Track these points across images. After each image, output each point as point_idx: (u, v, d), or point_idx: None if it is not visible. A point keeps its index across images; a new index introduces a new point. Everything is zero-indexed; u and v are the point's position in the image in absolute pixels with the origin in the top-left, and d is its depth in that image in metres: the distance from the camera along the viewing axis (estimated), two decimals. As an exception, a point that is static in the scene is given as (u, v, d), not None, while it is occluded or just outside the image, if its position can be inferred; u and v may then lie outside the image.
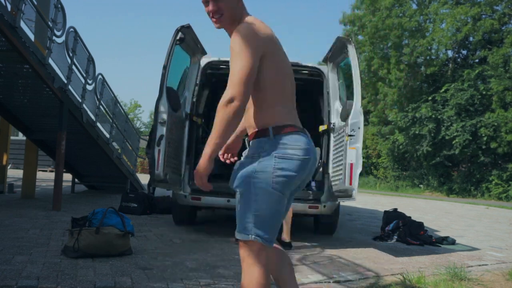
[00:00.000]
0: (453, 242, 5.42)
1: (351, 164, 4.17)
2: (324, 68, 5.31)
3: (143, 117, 64.02)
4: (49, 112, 7.38)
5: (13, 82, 6.67)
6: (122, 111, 10.52)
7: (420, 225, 5.56)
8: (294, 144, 1.86)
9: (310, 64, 5.37)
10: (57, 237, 4.31)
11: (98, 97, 8.51)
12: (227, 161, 2.22)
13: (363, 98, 6.25)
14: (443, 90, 22.18)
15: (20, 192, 8.24)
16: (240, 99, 1.77)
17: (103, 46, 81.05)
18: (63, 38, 6.66)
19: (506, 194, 19.67)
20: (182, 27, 4.43)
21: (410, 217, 5.90)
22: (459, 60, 25.06)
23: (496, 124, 19.80)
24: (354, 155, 4.19)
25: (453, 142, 20.79)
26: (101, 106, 8.65)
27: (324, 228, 5.50)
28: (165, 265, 3.39)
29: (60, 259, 3.40)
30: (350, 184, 4.18)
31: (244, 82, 1.77)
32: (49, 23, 6.32)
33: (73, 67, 7.10)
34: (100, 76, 8.57)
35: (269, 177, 1.81)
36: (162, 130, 4.30)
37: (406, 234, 5.33)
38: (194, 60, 5.15)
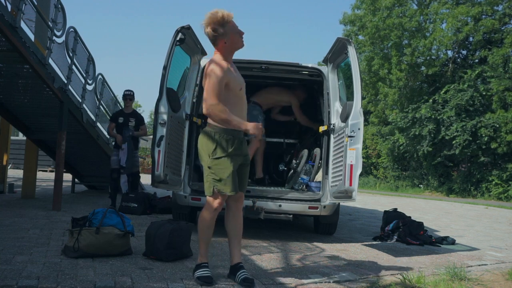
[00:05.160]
0: (453, 242, 5.43)
1: (351, 165, 4.18)
2: (324, 69, 5.32)
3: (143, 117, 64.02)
4: (49, 112, 7.39)
5: (13, 82, 6.67)
6: (122, 111, 10.51)
7: (420, 225, 5.57)
8: None
9: (310, 65, 5.37)
10: (57, 237, 4.32)
11: (98, 97, 8.53)
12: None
13: (363, 98, 6.24)
14: (443, 91, 22.18)
15: (20, 192, 8.25)
16: None
17: (103, 46, 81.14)
18: (63, 38, 6.68)
19: (506, 194, 19.66)
20: (182, 27, 4.43)
21: (410, 217, 5.91)
22: (458, 60, 25.06)
23: (496, 124, 19.79)
24: (354, 156, 4.19)
25: (453, 142, 20.80)
26: (101, 106, 8.67)
27: (324, 228, 5.51)
28: (165, 265, 3.40)
29: (60, 259, 3.41)
30: (350, 185, 4.19)
31: None
32: (49, 23, 6.32)
33: (73, 67, 7.12)
34: (100, 76, 8.60)
35: None
36: (162, 131, 4.31)
37: (406, 234, 5.33)
38: (194, 60, 5.16)
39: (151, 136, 4.37)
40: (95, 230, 3.49)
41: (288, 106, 6.50)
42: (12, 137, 11.25)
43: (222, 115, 2.88)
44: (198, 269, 3.04)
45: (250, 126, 2.91)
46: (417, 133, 22.38)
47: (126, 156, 6.79)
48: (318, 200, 4.91)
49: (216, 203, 3.07)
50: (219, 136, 2.99)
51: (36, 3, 5.98)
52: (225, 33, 2.91)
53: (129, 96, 7.13)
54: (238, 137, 3.04)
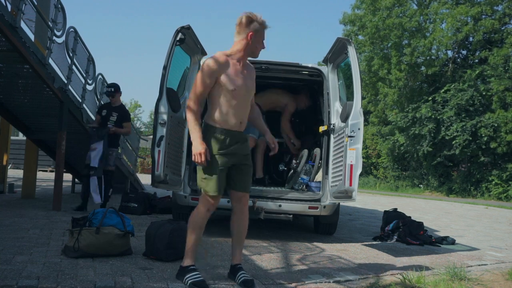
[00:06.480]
0: (452, 242, 5.43)
1: (351, 165, 4.17)
2: (324, 69, 5.31)
3: (143, 117, 64.15)
4: (49, 112, 7.38)
5: (13, 82, 6.67)
6: (122, 111, 10.50)
7: (420, 225, 5.57)
8: None
9: (310, 65, 5.37)
10: (57, 237, 4.32)
11: (98, 97, 8.52)
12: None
13: (363, 98, 6.22)
14: (443, 90, 22.19)
15: (20, 192, 8.24)
16: None
17: (103, 46, 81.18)
18: (63, 38, 6.67)
19: (506, 194, 19.67)
20: (182, 27, 4.43)
21: (410, 217, 5.91)
22: (458, 60, 25.06)
23: (496, 124, 19.80)
24: (354, 156, 4.19)
25: (453, 142, 20.80)
26: (101, 106, 8.66)
27: (324, 228, 5.51)
28: (165, 265, 3.40)
29: (60, 259, 3.41)
30: (350, 185, 4.19)
31: None
32: (49, 23, 6.32)
33: (73, 67, 7.10)
34: (100, 76, 8.59)
35: None
36: (162, 131, 4.30)
37: (406, 234, 5.33)
38: (194, 60, 5.15)
39: (151, 136, 4.35)
40: (95, 230, 3.49)
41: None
42: (12, 137, 11.24)
43: (188, 111, 2.94)
44: (188, 274, 2.89)
45: (195, 149, 2.90)
46: (417, 132, 22.39)
47: (99, 157, 6.28)
48: (318, 200, 4.91)
49: (206, 203, 2.98)
50: (212, 134, 2.95)
51: (36, 3, 5.98)
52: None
53: (110, 92, 6.70)
54: (233, 136, 2.97)
